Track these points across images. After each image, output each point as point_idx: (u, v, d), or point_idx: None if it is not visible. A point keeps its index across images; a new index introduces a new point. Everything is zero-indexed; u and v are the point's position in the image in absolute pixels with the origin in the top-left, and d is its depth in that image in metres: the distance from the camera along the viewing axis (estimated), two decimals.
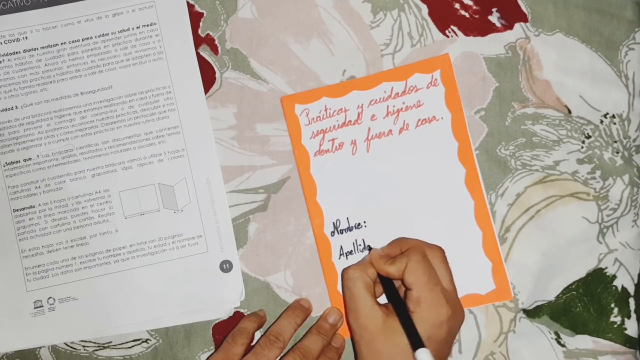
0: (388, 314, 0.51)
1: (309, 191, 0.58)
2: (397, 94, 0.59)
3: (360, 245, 0.58)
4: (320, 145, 0.59)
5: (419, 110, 0.59)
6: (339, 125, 0.59)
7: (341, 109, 0.59)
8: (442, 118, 0.58)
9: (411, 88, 0.59)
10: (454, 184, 0.58)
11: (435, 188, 0.58)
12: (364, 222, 0.58)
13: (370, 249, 0.57)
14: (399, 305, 0.51)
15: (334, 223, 0.58)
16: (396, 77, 0.59)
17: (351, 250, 0.58)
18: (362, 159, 0.59)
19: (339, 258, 0.58)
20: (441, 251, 0.53)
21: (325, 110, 0.59)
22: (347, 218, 0.58)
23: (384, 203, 0.58)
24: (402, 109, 0.59)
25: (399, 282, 0.53)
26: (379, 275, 0.54)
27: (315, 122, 0.59)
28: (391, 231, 0.58)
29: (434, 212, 0.58)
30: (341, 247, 0.58)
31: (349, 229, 0.58)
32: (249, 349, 0.55)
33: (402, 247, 0.54)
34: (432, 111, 0.58)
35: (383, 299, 0.54)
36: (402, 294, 0.53)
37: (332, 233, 0.58)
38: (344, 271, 0.54)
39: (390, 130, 0.59)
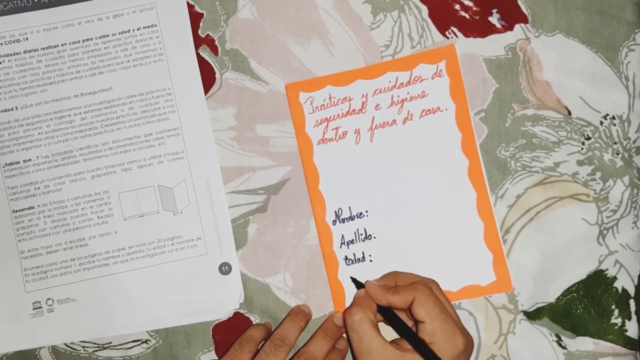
0: (400, 349, 0.50)
1: (312, 180, 0.58)
2: (402, 84, 0.59)
3: (361, 234, 0.58)
4: (323, 133, 0.59)
5: (424, 100, 0.58)
6: (343, 114, 0.59)
7: (345, 97, 0.59)
8: (446, 109, 0.58)
9: (416, 78, 0.59)
10: (456, 175, 0.58)
11: (438, 179, 0.58)
12: (366, 211, 0.58)
13: (356, 283, 0.56)
14: (410, 334, 0.51)
15: (335, 212, 0.58)
16: (401, 67, 0.59)
17: (352, 240, 0.58)
18: (366, 148, 0.58)
19: (340, 247, 0.58)
20: (437, 283, 0.54)
21: (330, 98, 0.59)
22: (349, 207, 0.58)
23: (386, 193, 0.58)
24: (406, 99, 0.59)
25: (401, 314, 0.53)
26: (379, 307, 0.53)
27: (320, 110, 0.59)
28: (392, 221, 0.58)
29: (436, 203, 0.58)
30: (342, 236, 0.58)
31: (351, 217, 0.58)
32: (255, 356, 0.55)
33: (398, 281, 0.54)
34: (436, 102, 0.58)
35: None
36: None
37: (334, 222, 0.58)
38: (344, 314, 0.53)
39: (394, 120, 0.58)
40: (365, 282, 0.55)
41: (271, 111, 0.59)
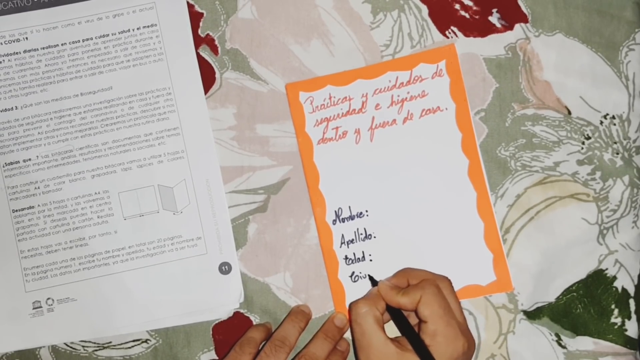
0: (401, 348, 0.50)
1: (312, 179, 0.58)
2: (402, 83, 0.59)
3: (361, 234, 0.58)
4: (323, 133, 0.59)
5: (424, 100, 0.58)
6: (343, 113, 0.59)
7: (345, 97, 0.59)
8: (446, 109, 0.58)
9: (416, 78, 0.59)
10: (457, 174, 0.58)
11: (438, 178, 0.58)
12: (366, 211, 0.58)
13: (372, 280, 0.56)
14: (413, 337, 0.51)
15: (336, 211, 0.58)
16: (401, 67, 0.59)
17: (352, 239, 0.58)
18: (366, 148, 0.58)
19: (340, 246, 0.58)
20: (449, 282, 0.53)
21: (330, 98, 0.59)
22: (349, 207, 0.58)
23: (386, 192, 0.58)
24: (406, 98, 0.59)
25: (407, 313, 0.53)
26: (388, 307, 0.53)
27: (320, 110, 0.59)
28: (393, 221, 0.58)
29: (436, 202, 0.58)
30: (342, 235, 0.58)
31: (351, 217, 0.58)
32: (255, 357, 0.55)
33: (410, 279, 0.54)
34: (436, 101, 0.58)
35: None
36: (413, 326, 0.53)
37: (334, 221, 0.58)
38: (351, 306, 0.53)
39: (394, 120, 0.58)
40: (379, 282, 0.54)
41: (271, 111, 0.59)
